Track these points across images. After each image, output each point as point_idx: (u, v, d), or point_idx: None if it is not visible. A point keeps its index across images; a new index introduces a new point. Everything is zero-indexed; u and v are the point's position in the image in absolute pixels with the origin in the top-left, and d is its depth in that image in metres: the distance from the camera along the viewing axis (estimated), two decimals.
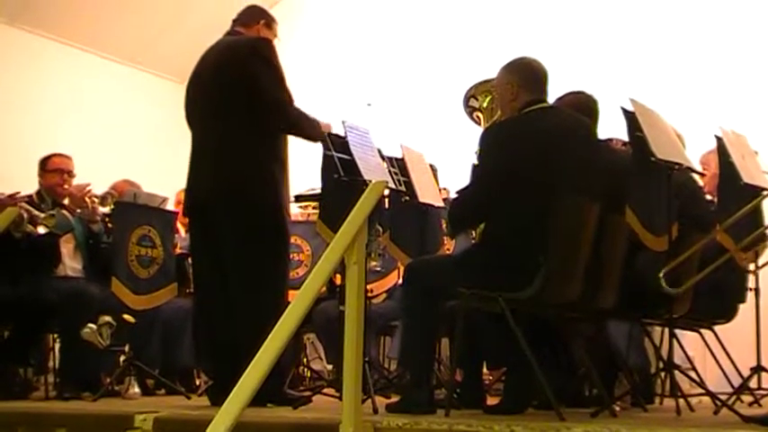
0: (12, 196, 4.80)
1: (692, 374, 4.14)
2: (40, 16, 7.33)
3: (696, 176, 4.36)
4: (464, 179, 4.12)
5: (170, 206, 5.65)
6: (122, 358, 4.82)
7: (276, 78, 4.02)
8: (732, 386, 4.27)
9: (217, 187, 4.00)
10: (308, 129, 4.13)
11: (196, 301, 4.42)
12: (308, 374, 6.01)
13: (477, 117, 4.36)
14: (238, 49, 4.09)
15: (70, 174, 5.23)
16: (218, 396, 3.83)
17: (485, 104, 4.30)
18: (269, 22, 4.30)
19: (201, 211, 4.07)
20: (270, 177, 4.01)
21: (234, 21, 4.28)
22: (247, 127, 3.98)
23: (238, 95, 3.97)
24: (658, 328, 4.42)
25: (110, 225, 5.17)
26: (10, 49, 7.22)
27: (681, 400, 3.63)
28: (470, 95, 4.35)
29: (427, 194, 4.64)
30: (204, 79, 4.11)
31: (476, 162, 3.92)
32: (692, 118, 6.10)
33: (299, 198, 5.60)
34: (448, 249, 5.29)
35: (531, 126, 3.56)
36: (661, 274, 3.64)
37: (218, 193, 3.99)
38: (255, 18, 4.28)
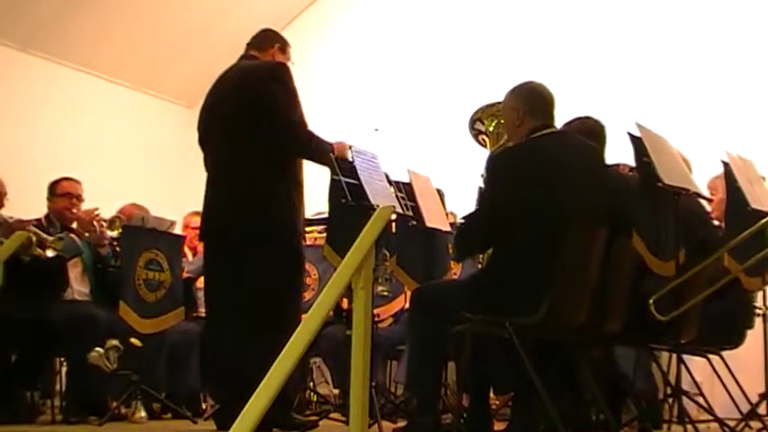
0: (20, 221, 4.83)
1: (700, 400, 4.12)
2: (51, 42, 7.40)
3: (703, 201, 4.36)
4: (471, 203, 4.13)
5: (178, 230, 5.67)
6: (129, 382, 4.81)
7: (292, 102, 4.03)
8: (740, 412, 4.25)
9: (237, 212, 3.97)
10: (320, 153, 4.12)
11: (208, 323, 4.35)
12: (315, 399, 6.00)
13: (483, 140, 4.36)
14: (256, 73, 4.09)
15: (79, 198, 5.26)
16: (224, 421, 3.82)
17: (491, 128, 4.30)
18: (283, 46, 4.31)
19: (220, 235, 4.04)
20: (288, 202, 4.00)
21: (248, 44, 4.28)
22: (266, 150, 3.96)
23: (257, 119, 3.96)
24: (666, 354, 4.41)
25: (117, 249, 5.19)
26: (22, 74, 7.28)
27: (689, 426, 3.61)
28: (476, 119, 4.36)
29: (434, 219, 4.65)
30: (221, 103, 4.10)
31: (482, 186, 3.92)
32: (699, 143, 6.11)
33: (306, 222, 5.61)
34: (455, 274, 5.29)
35: (537, 151, 3.56)
36: (651, 301, 3.65)
37: (237, 217, 3.96)
38: (270, 42, 4.28)
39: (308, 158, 4.17)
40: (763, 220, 3.87)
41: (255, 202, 3.96)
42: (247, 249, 3.93)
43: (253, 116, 3.97)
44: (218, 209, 4.05)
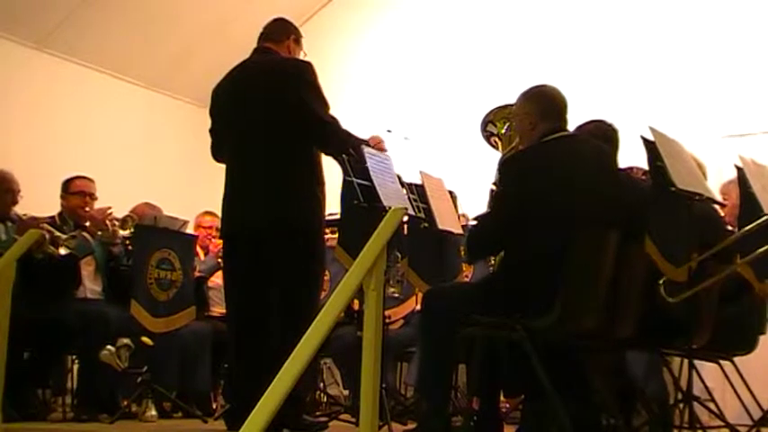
0: (34, 218, 4.85)
1: (712, 406, 4.10)
2: (65, 42, 7.43)
3: (717, 206, 4.34)
4: (483, 205, 4.13)
5: (190, 229, 5.68)
6: (140, 381, 4.83)
7: (323, 101, 4.00)
8: (752, 418, 4.22)
9: (269, 214, 3.90)
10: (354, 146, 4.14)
11: (235, 323, 4.15)
12: (325, 400, 6.00)
13: (495, 142, 4.36)
14: (284, 74, 4.03)
15: (92, 196, 5.28)
16: (234, 421, 3.82)
17: (502, 131, 4.30)
18: (297, 37, 4.25)
19: (248, 236, 3.96)
20: (317, 204, 3.97)
21: (262, 36, 4.21)
22: (296, 152, 3.93)
23: (288, 121, 3.92)
24: (677, 359, 4.39)
25: (130, 248, 5.21)
26: (36, 72, 7.31)
27: None
28: (488, 121, 4.35)
29: (446, 221, 4.65)
30: (246, 101, 4.02)
31: (494, 188, 3.92)
32: (713, 146, 6.09)
33: None
34: (466, 276, 5.29)
35: (549, 155, 3.55)
36: (661, 282, 3.61)
37: (269, 219, 3.90)
38: (285, 33, 4.22)
39: (347, 154, 4.16)
40: None
41: (291, 206, 3.91)
42: (278, 250, 3.88)
43: (284, 119, 3.92)
44: (250, 212, 3.96)
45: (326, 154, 4.13)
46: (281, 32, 4.23)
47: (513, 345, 3.45)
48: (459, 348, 3.69)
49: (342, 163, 4.31)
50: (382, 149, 4.29)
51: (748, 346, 4.37)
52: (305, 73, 4.01)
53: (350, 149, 4.13)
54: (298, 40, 4.27)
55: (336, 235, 4.71)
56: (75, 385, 5.08)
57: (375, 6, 8.59)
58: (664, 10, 7.17)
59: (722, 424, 3.96)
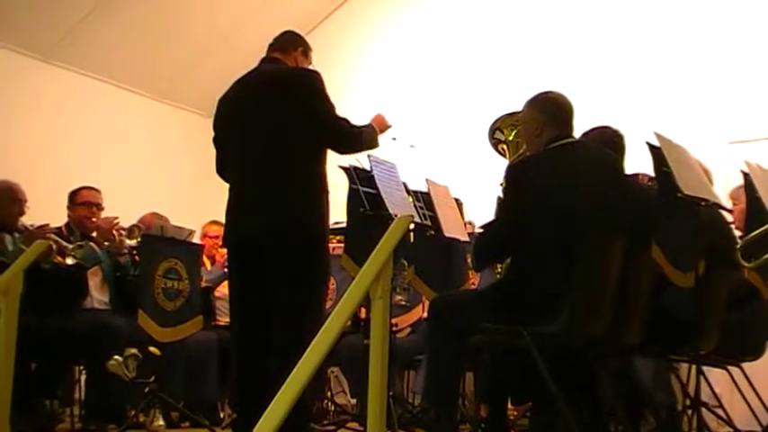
0: (41, 227, 4.85)
1: (720, 412, 4.09)
2: (72, 53, 7.46)
3: (724, 212, 4.34)
4: (490, 213, 4.12)
5: (196, 239, 5.68)
6: (147, 390, 4.83)
7: (332, 108, 3.98)
8: (760, 424, 4.21)
9: (272, 223, 3.86)
10: (370, 141, 4.16)
11: (233, 332, 4.14)
12: (333, 408, 6.00)
13: (503, 149, 4.36)
14: (291, 82, 4.01)
15: (99, 207, 5.29)
16: (242, 430, 3.81)
17: (510, 138, 4.30)
18: (306, 49, 4.23)
19: (252, 247, 3.92)
20: (321, 213, 3.94)
21: (271, 46, 4.20)
22: (300, 161, 3.91)
23: (292, 130, 3.90)
24: (685, 365, 4.38)
25: (137, 258, 5.21)
26: (44, 84, 7.33)
27: None
28: (496, 128, 4.36)
29: (452, 229, 4.65)
30: (251, 108, 4.00)
31: (501, 195, 3.92)
32: (719, 152, 6.09)
33: None
34: (473, 284, 5.28)
35: (556, 162, 3.55)
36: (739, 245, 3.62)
37: (272, 228, 3.86)
38: (294, 45, 4.21)
39: (362, 151, 4.19)
40: None
41: (297, 216, 3.87)
42: (281, 259, 3.84)
43: (287, 126, 3.89)
44: (256, 221, 3.91)
45: (344, 153, 4.12)
46: (289, 43, 4.23)
47: (520, 352, 3.44)
48: (466, 356, 3.69)
49: (348, 171, 4.31)
50: (387, 126, 4.31)
51: (756, 351, 4.35)
52: (313, 81, 3.99)
53: (365, 147, 4.14)
54: (306, 53, 4.26)
55: (343, 243, 4.71)
56: (83, 396, 5.08)
57: (381, 15, 8.61)
58: (669, 16, 7.17)
59: (731, 430, 3.94)
